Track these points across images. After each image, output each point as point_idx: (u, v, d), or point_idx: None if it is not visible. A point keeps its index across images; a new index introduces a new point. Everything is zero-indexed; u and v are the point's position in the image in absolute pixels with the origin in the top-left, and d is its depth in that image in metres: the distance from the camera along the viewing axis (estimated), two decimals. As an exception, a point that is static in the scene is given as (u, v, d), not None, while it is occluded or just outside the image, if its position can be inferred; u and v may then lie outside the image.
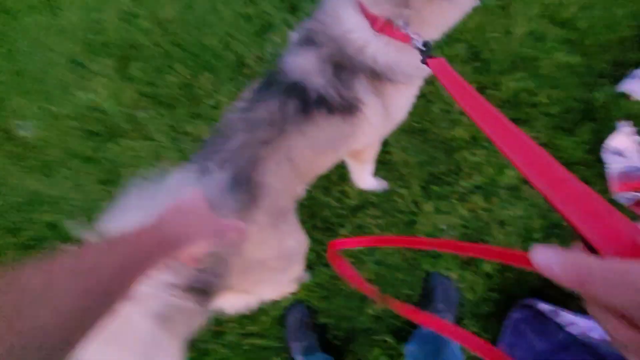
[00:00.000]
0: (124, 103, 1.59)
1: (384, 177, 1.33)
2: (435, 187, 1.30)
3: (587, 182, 1.19)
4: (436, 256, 1.22)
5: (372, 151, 1.11)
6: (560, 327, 1.09)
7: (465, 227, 1.24)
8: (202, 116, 1.49)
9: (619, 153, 1.24)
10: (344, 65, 0.77)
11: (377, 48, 0.75)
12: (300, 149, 0.77)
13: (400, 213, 1.29)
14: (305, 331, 1.17)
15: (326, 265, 1.25)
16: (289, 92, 0.76)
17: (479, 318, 1.15)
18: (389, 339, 1.14)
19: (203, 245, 0.53)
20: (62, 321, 0.28)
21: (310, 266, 1.25)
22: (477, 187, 1.29)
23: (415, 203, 1.29)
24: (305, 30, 0.81)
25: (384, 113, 0.85)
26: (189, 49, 1.66)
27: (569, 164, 1.27)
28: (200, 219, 0.56)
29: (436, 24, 0.75)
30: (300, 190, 0.86)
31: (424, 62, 0.63)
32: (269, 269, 0.78)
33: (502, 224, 1.23)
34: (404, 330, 1.14)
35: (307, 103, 0.76)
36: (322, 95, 0.76)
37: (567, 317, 1.07)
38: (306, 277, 1.23)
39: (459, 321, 1.14)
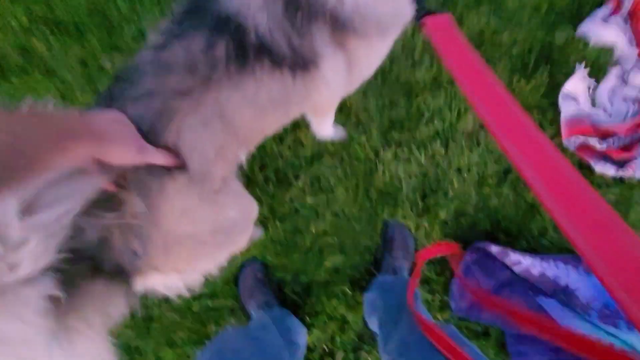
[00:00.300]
0: (15, 30, 1.23)
1: (342, 124, 1.22)
2: (395, 134, 1.22)
3: (540, 127, 1.18)
4: (394, 205, 1.18)
5: (332, 106, 0.97)
6: (506, 267, 1.15)
7: (424, 175, 1.21)
8: (122, 49, 1.21)
9: (574, 97, 1.24)
10: (299, 5, 0.58)
11: None
12: (235, 107, 0.59)
13: (358, 161, 1.21)
14: (261, 288, 1.10)
15: (281, 219, 1.16)
16: (220, 29, 0.57)
17: (435, 263, 1.16)
18: (348, 289, 1.12)
19: (126, 155, 0.47)
20: None
21: (263, 222, 1.16)
22: (437, 134, 1.24)
23: (375, 151, 1.21)
24: None
25: (346, 71, 0.68)
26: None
27: (524, 109, 1.25)
28: (128, 131, 0.50)
29: None
30: (241, 154, 0.70)
31: (418, 18, 0.48)
32: (204, 244, 0.64)
33: (459, 171, 1.22)
34: (364, 280, 1.13)
35: (244, 48, 0.57)
36: (266, 40, 0.58)
37: (513, 257, 1.12)
38: (259, 233, 1.14)
39: (413, 266, 1.15)
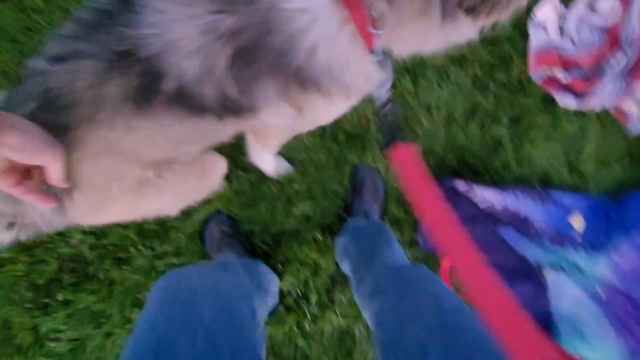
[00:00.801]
0: None
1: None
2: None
3: (509, 59, 1.13)
4: (362, 147, 1.14)
5: (274, 140, 0.84)
6: (471, 203, 1.18)
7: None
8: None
9: (543, 27, 1.20)
10: (254, 58, 0.46)
11: (325, 35, 0.47)
12: (131, 145, 0.51)
13: (324, 103, 1.12)
14: (229, 240, 1.06)
15: (244, 169, 1.09)
16: (125, 65, 0.44)
17: (402, 203, 1.17)
18: (319, 234, 1.11)
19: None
20: None
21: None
22: (406, 70, 1.16)
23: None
24: None
25: (296, 118, 0.59)
26: None
27: (496, 39, 1.20)
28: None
29: (410, 39, 0.52)
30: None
31: (385, 146, 0.47)
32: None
33: (428, 108, 1.17)
34: (334, 226, 1.11)
35: (152, 92, 0.46)
36: (187, 90, 0.47)
37: (478, 193, 1.15)
38: (222, 186, 1.06)
39: (385, 208, 1.15)
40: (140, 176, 0.56)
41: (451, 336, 0.48)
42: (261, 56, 0.47)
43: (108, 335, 1.02)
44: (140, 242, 1.02)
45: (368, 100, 1.12)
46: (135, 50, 0.44)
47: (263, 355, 0.57)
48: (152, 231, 1.06)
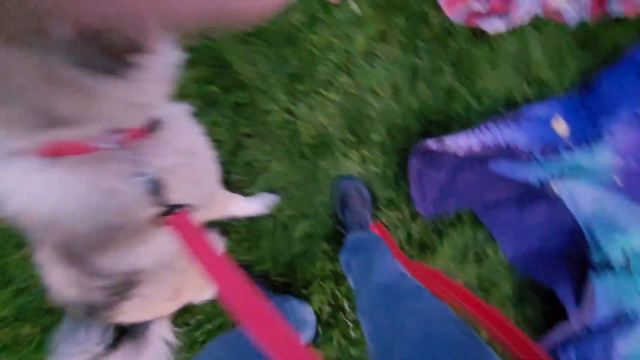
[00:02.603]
0: None
1: (237, 102, 1.17)
2: (298, 86, 1.20)
3: (424, 13, 1.17)
4: (330, 152, 1.18)
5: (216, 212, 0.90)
6: (450, 155, 1.19)
7: (344, 111, 1.20)
8: None
9: (438, -28, 1.24)
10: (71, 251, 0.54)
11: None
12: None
13: (279, 129, 1.19)
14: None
15: (235, 219, 1.15)
16: None
17: (390, 185, 1.19)
18: (326, 246, 1.14)
19: None
20: None
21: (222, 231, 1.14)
22: (337, 67, 1.22)
23: (288, 111, 1.19)
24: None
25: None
26: None
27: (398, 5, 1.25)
28: None
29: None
30: None
31: (163, 215, 0.49)
32: None
33: (373, 91, 1.22)
34: (337, 233, 1.15)
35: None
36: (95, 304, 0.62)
37: (451, 143, 1.16)
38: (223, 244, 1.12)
39: (375, 200, 1.18)
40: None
41: (438, 344, 0.49)
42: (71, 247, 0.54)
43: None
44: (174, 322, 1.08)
45: (314, 108, 1.17)
46: None
47: None
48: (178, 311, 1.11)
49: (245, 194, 1.14)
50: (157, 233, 0.59)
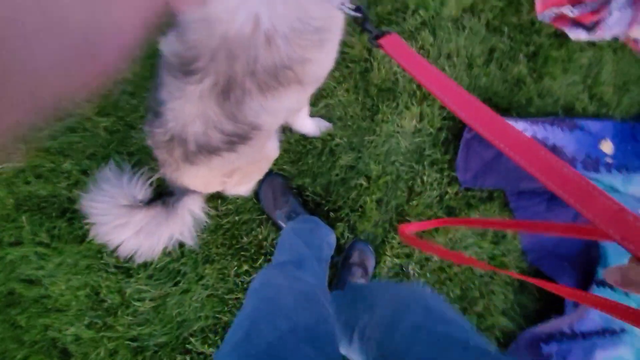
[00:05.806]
0: None
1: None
2: (384, 28, 1.23)
3: (517, 1, 1.22)
4: (393, 98, 1.22)
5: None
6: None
7: (417, 65, 1.25)
8: None
9: (545, -33, 1.29)
10: (232, 87, 0.58)
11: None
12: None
13: (354, 63, 1.23)
14: (283, 198, 1.15)
15: (289, 130, 1.19)
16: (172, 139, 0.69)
17: (439, 144, 1.24)
18: (364, 181, 1.19)
19: None
20: None
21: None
22: (423, 23, 1.26)
23: (368, 50, 1.23)
24: (182, 46, 0.57)
25: (299, 96, 0.71)
26: None
27: (502, -13, 1.29)
28: None
29: None
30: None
31: (373, 41, 0.52)
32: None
33: (449, 56, 1.27)
34: (375, 171, 1.20)
35: (188, 153, 0.69)
36: (202, 144, 0.67)
37: (507, 127, 1.22)
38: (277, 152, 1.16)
39: (422, 153, 1.23)
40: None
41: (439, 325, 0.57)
42: (236, 83, 0.58)
43: (185, 291, 1.11)
44: (205, 204, 1.12)
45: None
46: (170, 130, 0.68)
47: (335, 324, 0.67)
48: (213, 195, 1.16)
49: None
50: (288, 93, 0.64)
